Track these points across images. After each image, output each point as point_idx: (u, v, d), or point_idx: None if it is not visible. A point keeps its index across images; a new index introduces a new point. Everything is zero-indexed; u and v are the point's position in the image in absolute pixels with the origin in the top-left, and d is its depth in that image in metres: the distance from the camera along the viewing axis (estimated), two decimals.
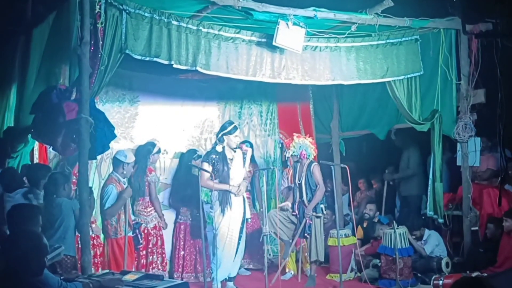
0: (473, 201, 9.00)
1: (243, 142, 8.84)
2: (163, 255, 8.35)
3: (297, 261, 9.08)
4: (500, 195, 6.59)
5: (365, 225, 9.90)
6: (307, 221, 8.52)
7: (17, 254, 3.79)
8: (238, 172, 8.25)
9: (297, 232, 8.62)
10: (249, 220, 8.57)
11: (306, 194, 8.58)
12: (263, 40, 7.75)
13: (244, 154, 8.41)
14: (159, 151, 8.47)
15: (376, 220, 9.67)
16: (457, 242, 9.21)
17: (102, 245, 7.78)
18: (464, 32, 7.43)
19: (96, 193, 7.90)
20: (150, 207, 8.26)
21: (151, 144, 8.41)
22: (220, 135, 8.19)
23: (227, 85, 9.30)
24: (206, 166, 8.09)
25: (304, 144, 8.63)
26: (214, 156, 8.13)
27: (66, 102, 6.32)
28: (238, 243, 8.15)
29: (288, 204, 8.78)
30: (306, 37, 7.85)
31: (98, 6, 6.50)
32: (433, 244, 8.91)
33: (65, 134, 6.36)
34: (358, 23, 8.07)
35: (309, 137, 9.12)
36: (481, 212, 9.01)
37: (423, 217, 9.45)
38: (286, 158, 9.40)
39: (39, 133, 6.68)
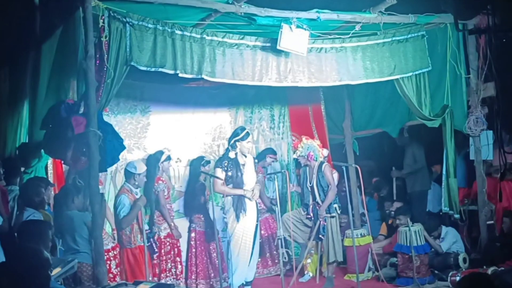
0: (489, 196, 8.92)
1: (268, 152, 8.99)
2: (177, 263, 8.31)
3: (320, 263, 9.06)
4: (501, 190, 6.51)
5: (390, 222, 9.84)
6: (321, 222, 8.52)
7: (18, 270, 3.89)
8: (250, 177, 8.28)
9: (312, 235, 8.63)
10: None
11: (319, 195, 8.58)
12: (268, 44, 7.76)
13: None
14: (168, 159, 8.43)
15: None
16: (474, 237, 9.17)
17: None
18: (457, 29, 7.33)
19: (111, 204, 7.99)
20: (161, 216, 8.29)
21: (159, 153, 8.39)
22: (232, 141, 8.21)
23: (238, 91, 9.31)
24: (219, 172, 8.12)
25: (312, 146, 8.61)
26: (226, 163, 8.15)
27: (74, 116, 6.39)
28: (253, 247, 8.17)
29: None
30: (311, 39, 7.85)
31: (101, 20, 6.59)
32: (450, 241, 8.85)
33: (75, 148, 6.42)
34: (362, 22, 8.07)
35: (318, 140, 9.14)
36: (496, 206, 8.95)
37: (440, 214, 9.39)
38: (294, 159, 9.42)
39: (50, 148, 6.72)
